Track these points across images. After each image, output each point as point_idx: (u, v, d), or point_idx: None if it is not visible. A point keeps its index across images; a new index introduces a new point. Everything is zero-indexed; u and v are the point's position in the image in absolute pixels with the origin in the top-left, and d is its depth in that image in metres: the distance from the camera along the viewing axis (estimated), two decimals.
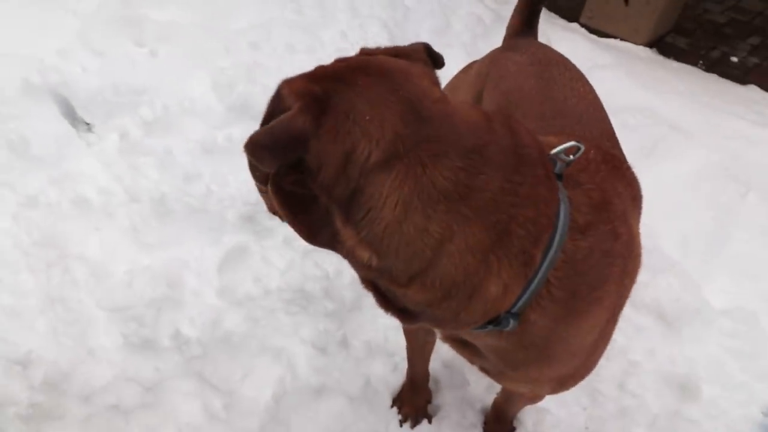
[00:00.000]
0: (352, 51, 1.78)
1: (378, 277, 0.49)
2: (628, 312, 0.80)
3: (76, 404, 1.02)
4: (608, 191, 0.59)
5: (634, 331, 1.32)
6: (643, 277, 0.67)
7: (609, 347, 0.67)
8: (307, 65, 1.31)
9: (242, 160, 0.51)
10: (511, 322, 0.50)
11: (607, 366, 1.22)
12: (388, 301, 0.52)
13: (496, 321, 0.51)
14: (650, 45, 2.71)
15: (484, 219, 0.44)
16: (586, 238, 0.52)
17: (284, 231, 1.36)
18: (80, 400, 1.03)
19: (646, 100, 2.14)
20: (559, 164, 0.54)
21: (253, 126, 0.50)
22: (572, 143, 0.55)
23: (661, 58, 2.69)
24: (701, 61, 2.67)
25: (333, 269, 1.29)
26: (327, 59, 1.54)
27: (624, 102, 2.02)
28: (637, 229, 0.66)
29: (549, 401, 1.10)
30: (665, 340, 1.33)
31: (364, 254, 0.46)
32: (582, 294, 0.53)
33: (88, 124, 1.72)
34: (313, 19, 2.25)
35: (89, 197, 1.47)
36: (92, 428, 1.00)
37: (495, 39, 2.33)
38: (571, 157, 0.55)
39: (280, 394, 1.11)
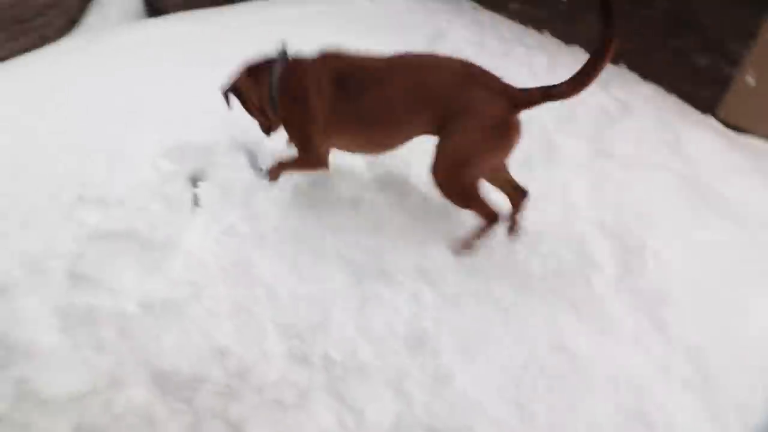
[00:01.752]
0: None
1: None
2: None
3: (251, 393, 1.37)
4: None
5: None
6: None
7: None
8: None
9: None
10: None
11: None
12: None
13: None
14: None
15: None
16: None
17: (412, 287, 1.64)
18: (255, 390, 1.38)
19: None
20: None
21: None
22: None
23: None
24: None
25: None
26: None
27: (762, 216, 1.97)
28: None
29: None
30: None
31: None
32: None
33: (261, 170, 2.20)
34: None
35: (266, 232, 1.93)
36: (260, 414, 1.34)
37: (621, 131, 2.45)
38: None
39: (396, 425, 1.34)
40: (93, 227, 1.86)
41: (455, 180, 1.55)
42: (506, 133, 1.49)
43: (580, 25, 4.26)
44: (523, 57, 3.31)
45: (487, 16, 4.57)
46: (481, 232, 1.67)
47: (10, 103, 2.95)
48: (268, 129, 1.93)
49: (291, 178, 2.13)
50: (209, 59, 3.36)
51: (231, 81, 1.79)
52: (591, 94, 2.78)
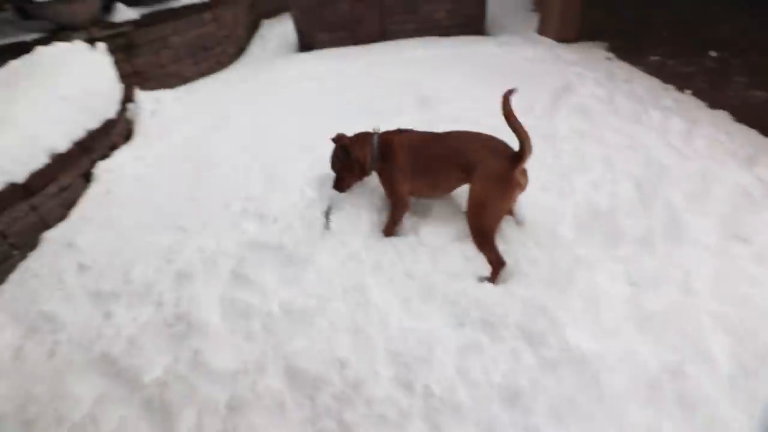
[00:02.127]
0: (600, 201, 2.27)
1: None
2: None
3: (362, 404, 1.63)
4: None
5: None
6: None
7: None
8: (558, 206, 2.05)
9: None
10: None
11: None
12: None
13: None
14: None
15: None
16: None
17: (512, 344, 1.77)
18: (365, 402, 1.63)
19: None
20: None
21: None
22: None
23: None
24: None
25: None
26: (576, 204, 2.21)
27: None
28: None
29: None
30: None
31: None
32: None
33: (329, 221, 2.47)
34: (569, 164, 2.67)
35: (383, 264, 2.20)
36: (367, 424, 1.58)
37: (762, 216, 2.25)
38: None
39: None
40: (253, 236, 2.33)
41: (477, 220, 2.06)
42: (508, 183, 1.97)
43: (731, 86, 3.90)
44: (657, 122, 3.17)
45: (623, 70, 4.40)
46: (492, 276, 2.06)
47: (196, 122, 3.73)
48: (343, 186, 2.47)
49: (419, 222, 2.40)
50: (351, 97, 3.86)
51: (340, 140, 2.41)
52: (731, 170, 2.61)
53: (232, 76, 5.08)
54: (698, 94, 3.83)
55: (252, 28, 7.16)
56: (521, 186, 2.04)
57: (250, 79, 4.77)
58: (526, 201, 2.35)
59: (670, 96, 3.76)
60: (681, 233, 2.21)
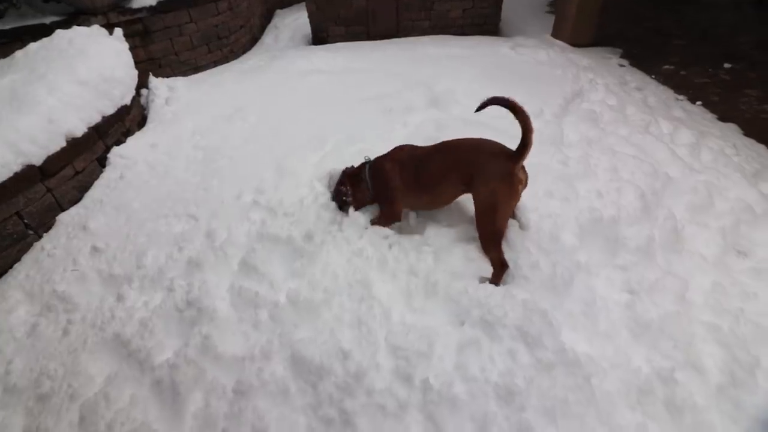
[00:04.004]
0: (604, 209, 2.32)
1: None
2: None
3: (363, 394, 1.70)
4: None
5: None
6: None
7: None
8: (562, 212, 2.11)
9: None
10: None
11: None
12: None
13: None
14: None
15: None
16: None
17: (510, 344, 1.82)
18: (366, 392, 1.70)
19: None
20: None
21: None
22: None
23: None
24: None
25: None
26: (579, 211, 2.26)
27: None
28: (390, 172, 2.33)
29: None
30: None
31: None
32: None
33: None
34: (575, 171, 2.71)
35: (388, 260, 2.26)
36: (367, 413, 1.65)
37: (763, 230, 2.29)
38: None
39: None
40: (262, 228, 2.39)
41: (489, 225, 2.08)
42: (512, 182, 2.00)
43: (743, 100, 3.90)
44: (666, 132, 3.20)
45: (636, 77, 4.41)
46: (495, 278, 2.12)
47: (208, 111, 3.79)
48: (346, 208, 2.51)
49: (424, 222, 2.45)
50: (363, 93, 3.89)
51: (340, 177, 2.54)
52: (735, 184, 2.64)
53: (245, 65, 5.12)
54: (709, 105, 3.84)
55: (266, 18, 7.18)
56: (522, 182, 2.07)
57: (263, 69, 4.81)
58: (530, 206, 2.40)
59: (681, 107, 3.78)
60: (681, 244, 2.25)
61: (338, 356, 1.81)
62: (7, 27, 3.65)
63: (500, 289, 2.01)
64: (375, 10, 5.51)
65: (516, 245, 2.17)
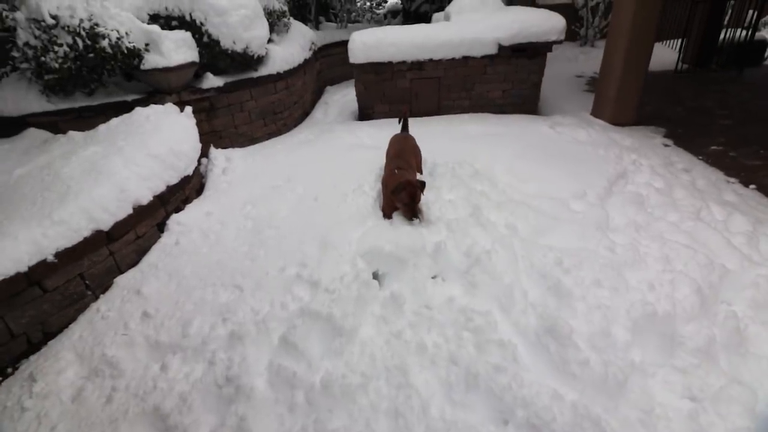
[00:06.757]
0: (657, 303, 2.20)
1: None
2: None
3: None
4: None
5: None
6: None
7: None
8: (612, 303, 1.99)
9: None
10: None
11: None
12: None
13: None
14: None
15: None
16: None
17: None
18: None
19: None
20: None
21: None
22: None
23: None
24: None
25: None
26: (631, 303, 2.14)
27: None
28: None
29: None
30: None
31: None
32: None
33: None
34: (623, 259, 2.61)
35: (428, 345, 2.20)
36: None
37: None
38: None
39: None
40: (304, 304, 2.43)
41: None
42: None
43: None
44: (719, 218, 3.07)
45: (682, 158, 4.32)
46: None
47: (259, 181, 4.03)
48: (391, 214, 3.23)
49: (456, 313, 2.41)
50: None
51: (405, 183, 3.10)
52: None
53: (296, 138, 5.49)
54: (764, 189, 3.69)
55: (317, 93, 7.79)
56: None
57: (312, 142, 5.13)
58: (576, 293, 2.32)
59: (733, 190, 3.64)
60: (746, 347, 2.08)
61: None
62: (95, 103, 4.15)
63: (547, 388, 1.90)
64: (418, 91, 5.87)
65: (563, 337, 2.07)
